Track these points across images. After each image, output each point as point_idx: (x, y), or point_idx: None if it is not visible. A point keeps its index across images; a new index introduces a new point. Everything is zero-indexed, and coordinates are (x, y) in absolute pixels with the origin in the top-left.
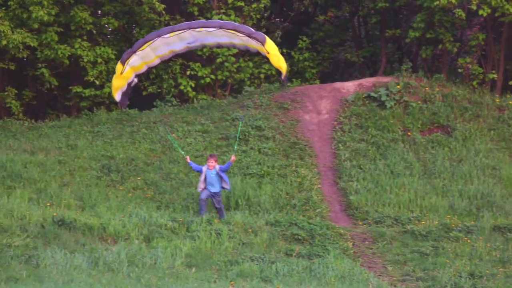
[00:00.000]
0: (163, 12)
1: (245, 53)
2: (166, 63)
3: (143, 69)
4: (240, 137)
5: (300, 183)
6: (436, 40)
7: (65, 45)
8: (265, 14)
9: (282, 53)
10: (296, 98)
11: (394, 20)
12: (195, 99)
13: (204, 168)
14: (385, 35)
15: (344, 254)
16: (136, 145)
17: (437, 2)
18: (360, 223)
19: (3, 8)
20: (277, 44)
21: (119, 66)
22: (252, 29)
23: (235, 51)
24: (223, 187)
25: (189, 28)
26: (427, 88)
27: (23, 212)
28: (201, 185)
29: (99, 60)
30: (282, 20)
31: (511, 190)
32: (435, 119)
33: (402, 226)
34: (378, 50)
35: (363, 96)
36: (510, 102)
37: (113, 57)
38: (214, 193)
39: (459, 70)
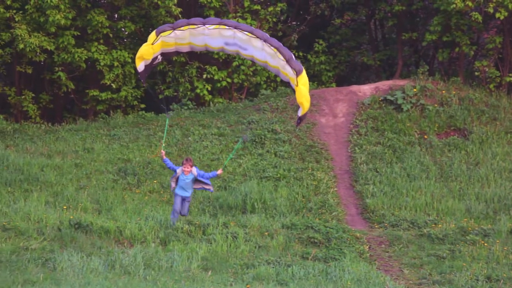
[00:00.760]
0: (180, 15)
1: None
2: (182, 67)
3: (172, 48)
4: (256, 140)
5: (316, 186)
6: (452, 43)
7: (82, 48)
8: (282, 18)
9: (298, 57)
10: (312, 101)
11: (411, 23)
12: (211, 103)
13: (178, 171)
14: (402, 38)
15: (360, 257)
16: (152, 148)
17: (454, 5)
18: (376, 226)
19: (20, 12)
20: (294, 48)
21: (152, 36)
22: (292, 55)
23: None
24: (205, 189)
25: (236, 28)
26: (443, 91)
27: (40, 215)
28: (172, 184)
29: (116, 63)
30: (298, 23)
31: None
32: (452, 122)
33: (418, 229)
34: (395, 53)
35: (380, 99)
36: None
37: (130, 60)
38: (185, 197)
39: (476, 73)
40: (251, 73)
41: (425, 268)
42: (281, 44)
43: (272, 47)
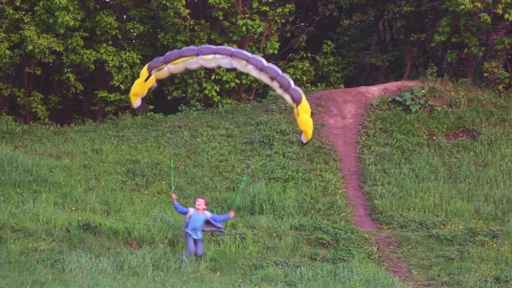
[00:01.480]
0: (188, 17)
1: (271, 57)
2: None
3: (167, 76)
4: (265, 141)
5: (324, 187)
6: (461, 44)
7: (91, 50)
8: (290, 19)
9: (306, 57)
10: (320, 102)
11: (420, 24)
12: (219, 104)
13: (190, 210)
14: (410, 39)
15: (368, 259)
16: (160, 150)
17: (463, 6)
18: (385, 227)
19: (29, 13)
20: (302, 49)
21: (144, 72)
22: (291, 82)
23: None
24: (217, 231)
25: (231, 56)
26: (452, 93)
27: (49, 216)
28: (185, 224)
29: (124, 64)
30: (307, 24)
31: None
32: (461, 123)
33: (427, 231)
34: (403, 54)
35: (388, 100)
36: None
37: (138, 61)
38: (196, 239)
39: (485, 74)
40: None
41: (434, 269)
42: (279, 72)
43: (269, 78)
